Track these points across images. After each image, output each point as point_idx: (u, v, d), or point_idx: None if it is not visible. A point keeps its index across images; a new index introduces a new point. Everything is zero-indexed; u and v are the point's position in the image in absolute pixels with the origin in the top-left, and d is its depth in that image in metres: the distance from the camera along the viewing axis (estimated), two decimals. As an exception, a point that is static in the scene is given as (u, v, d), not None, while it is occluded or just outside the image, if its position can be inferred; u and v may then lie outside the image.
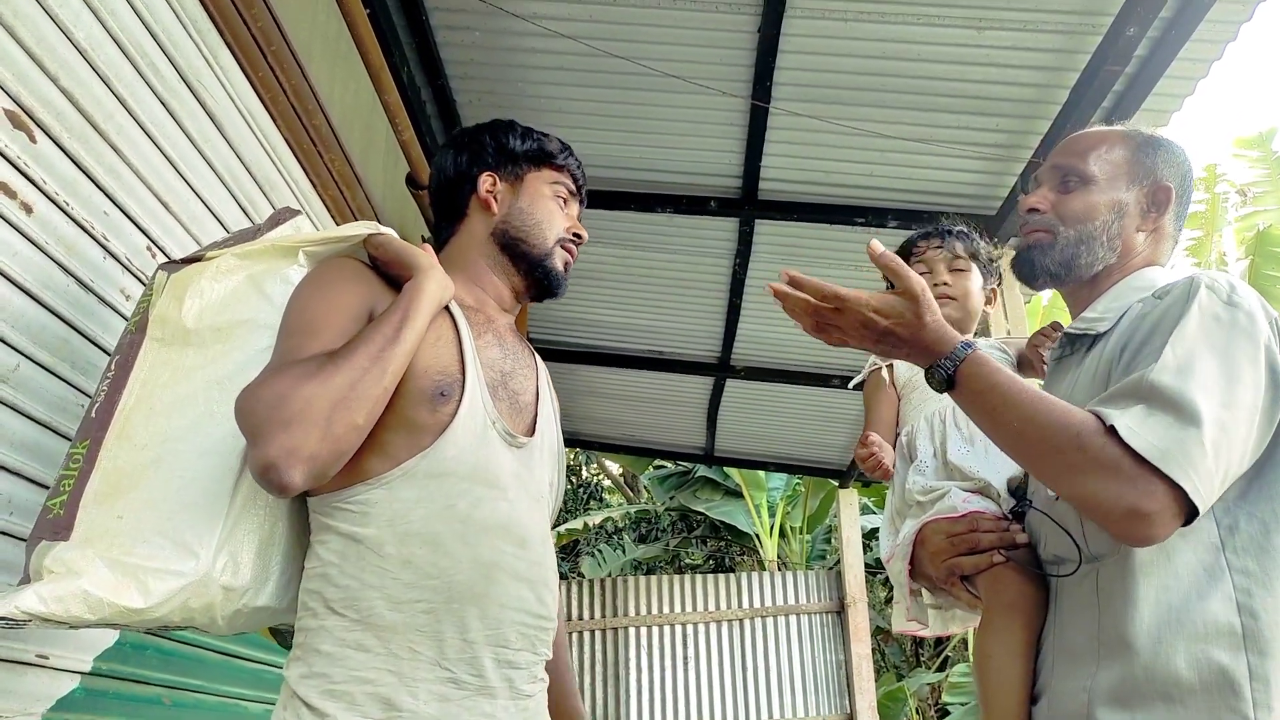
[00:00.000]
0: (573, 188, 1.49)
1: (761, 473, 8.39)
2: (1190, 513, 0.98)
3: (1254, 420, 1.02)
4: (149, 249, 1.73)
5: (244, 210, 2.11)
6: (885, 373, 1.62)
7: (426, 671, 1.14)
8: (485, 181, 1.44)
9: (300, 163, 2.42)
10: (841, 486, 6.93)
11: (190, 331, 1.23)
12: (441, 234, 1.49)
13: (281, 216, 1.46)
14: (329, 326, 1.19)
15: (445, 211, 1.49)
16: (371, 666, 1.12)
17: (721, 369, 5.42)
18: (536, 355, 1.47)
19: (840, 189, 3.77)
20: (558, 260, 1.44)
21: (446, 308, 1.30)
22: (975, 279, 1.68)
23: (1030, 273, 1.31)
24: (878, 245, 1.13)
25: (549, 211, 1.45)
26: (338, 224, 2.63)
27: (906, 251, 1.73)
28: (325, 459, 1.09)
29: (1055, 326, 1.49)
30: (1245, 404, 1.01)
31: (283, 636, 1.41)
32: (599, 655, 6.84)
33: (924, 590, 1.46)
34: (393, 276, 1.30)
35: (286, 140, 2.33)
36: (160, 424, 1.17)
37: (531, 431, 1.33)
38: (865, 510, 9.41)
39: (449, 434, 1.20)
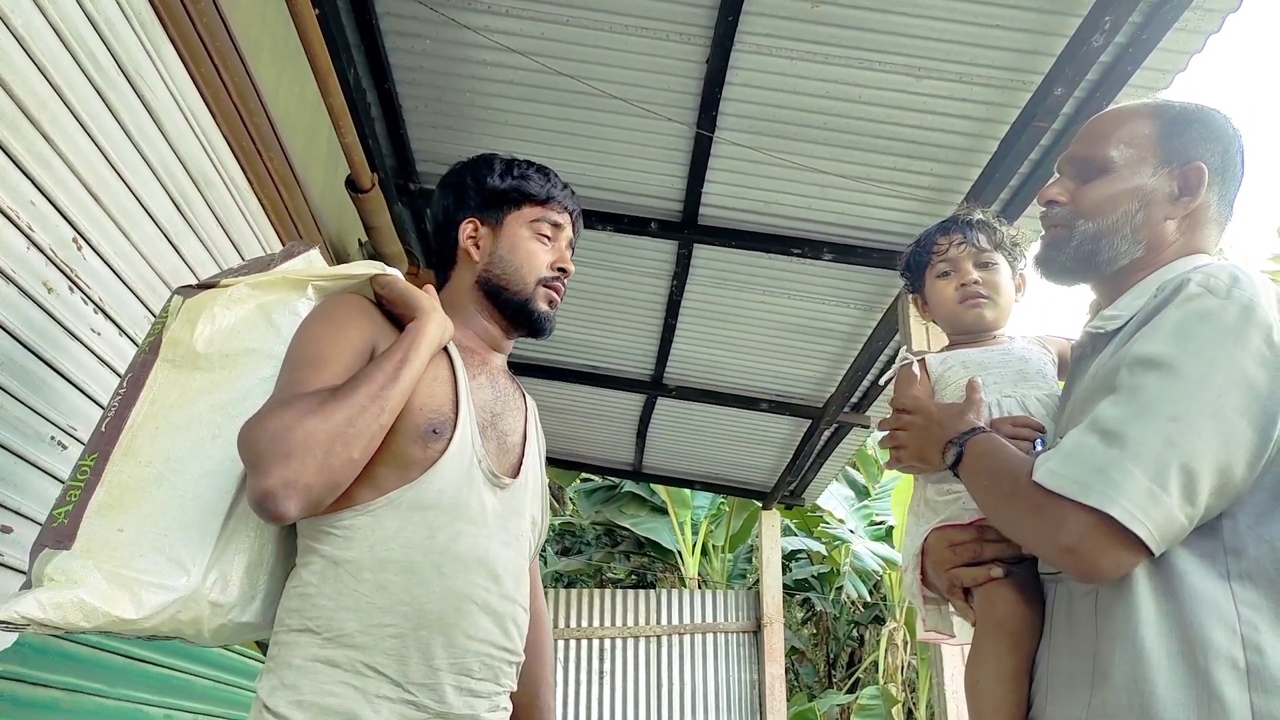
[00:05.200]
0: (556, 220, 1.50)
1: (688, 491, 8.45)
2: (1144, 540, 0.93)
3: (1234, 426, 0.94)
4: (75, 241, 1.69)
5: (178, 207, 2.08)
6: (917, 367, 1.50)
7: (390, 690, 1.19)
8: (466, 229, 1.48)
9: (239, 161, 2.38)
10: (764, 508, 7.02)
11: (200, 355, 1.28)
12: (439, 278, 1.53)
13: (295, 250, 1.51)
14: (333, 361, 1.23)
15: (440, 257, 1.53)
16: (337, 681, 1.17)
17: (654, 387, 5.46)
18: (527, 397, 1.52)
19: (778, 219, 3.85)
20: (540, 303, 1.46)
21: (445, 348, 1.34)
22: (1004, 271, 1.51)
23: (1049, 271, 1.25)
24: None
25: (529, 254, 1.46)
26: (274, 225, 2.60)
27: (927, 249, 1.55)
28: (320, 491, 1.14)
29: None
30: (1212, 410, 0.94)
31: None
32: (515, 667, 6.79)
33: (938, 599, 1.38)
34: (396, 315, 1.34)
35: (226, 139, 2.30)
36: (165, 443, 1.22)
37: (516, 472, 1.38)
38: (787, 532, 9.56)
39: (436, 469, 1.25)
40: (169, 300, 1.36)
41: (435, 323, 1.31)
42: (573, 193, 1.55)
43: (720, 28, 2.90)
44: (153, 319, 1.75)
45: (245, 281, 1.36)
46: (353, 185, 3.27)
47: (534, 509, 1.43)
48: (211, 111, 2.21)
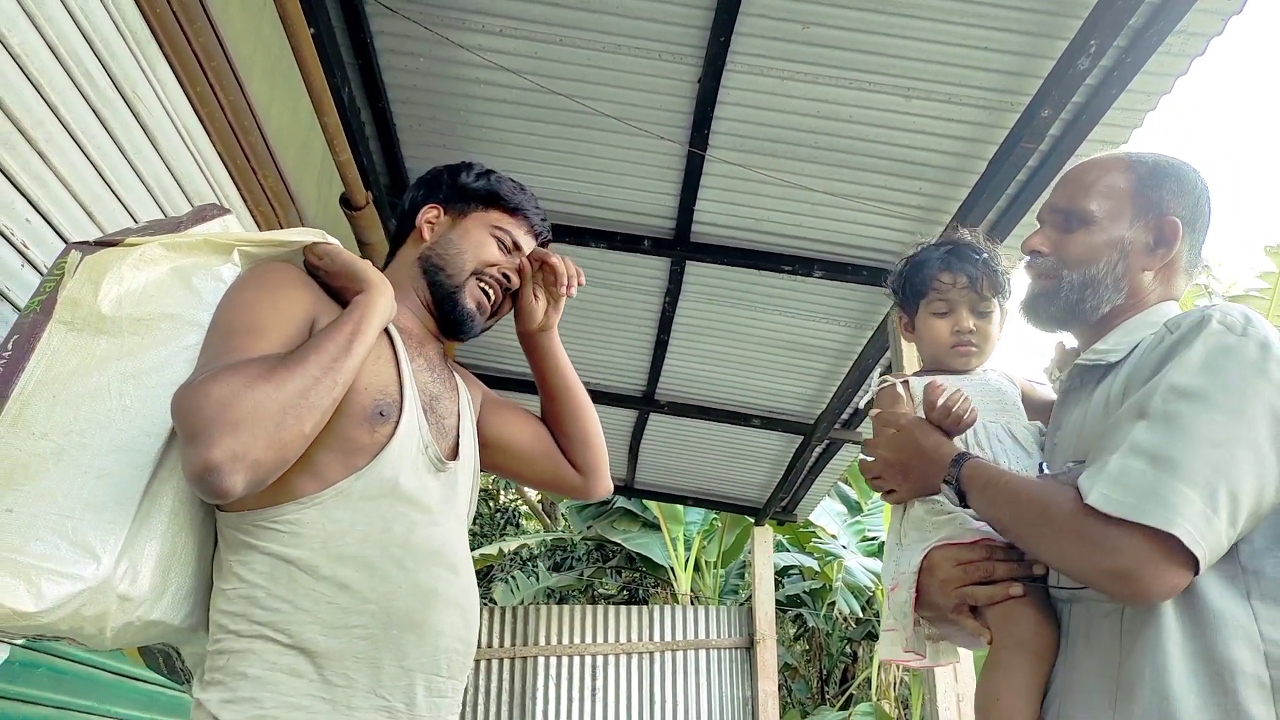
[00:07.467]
0: (518, 239, 1.47)
1: (680, 506, 8.44)
2: (1196, 559, 0.96)
3: (1266, 455, 0.98)
4: (70, 259, 1.70)
5: (172, 223, 2.09)
6: (901, 388, 1.48)
7: (362, 700, 1.13)
8: (428, 213, 1.46)
9: (233, 178, 2.40)
10: (757, 524, 7.02)
11: (106, 318, 1.13)
12: (386, 259, 1.52)
13: (207, 213, 1.39)
14: (271, 331, 1.14)
15: (395, 240, 1.52)
16: (305, 693, 1.09)
17: (646, 403, 5.48)
18: (457, 375, 1.47)
19: (770, 237, 3.88)
20: (467, 297, 1.41)
21: (385, 327, 1.28)
22: (997, 318, 1.50)
23: (1036, 319, 1.30)
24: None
25: (478, 244, 1.43)
26: (267, 241, 2.61)
27: (928, 281, 1.51)
28: (269, 468, 1.05)
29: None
30: (1248, 439, 0.98)
31: (153, 657, 1.35)
32: (506, 684, 6.76)
33: (923, 620, 1.37)
34: (333, 288, 1.28)
35: (220, 156, 2.31)
36: (65, 414, 1.07)
37: (455, 455, 1.33)
38: (779, 547, 9.55)
39: (385, 455, 1.18)
40: (64, 255, 1.19)
41: (386, 296, 1.24)
42: (545, 217, 1.51)
43: (712, 48, 2.94)
44: None
45: (159, 241, 1.22)
46: (347, 203, 3.28)
47: (469, 490, 1.37)
48: (206, 129, 2.22)
